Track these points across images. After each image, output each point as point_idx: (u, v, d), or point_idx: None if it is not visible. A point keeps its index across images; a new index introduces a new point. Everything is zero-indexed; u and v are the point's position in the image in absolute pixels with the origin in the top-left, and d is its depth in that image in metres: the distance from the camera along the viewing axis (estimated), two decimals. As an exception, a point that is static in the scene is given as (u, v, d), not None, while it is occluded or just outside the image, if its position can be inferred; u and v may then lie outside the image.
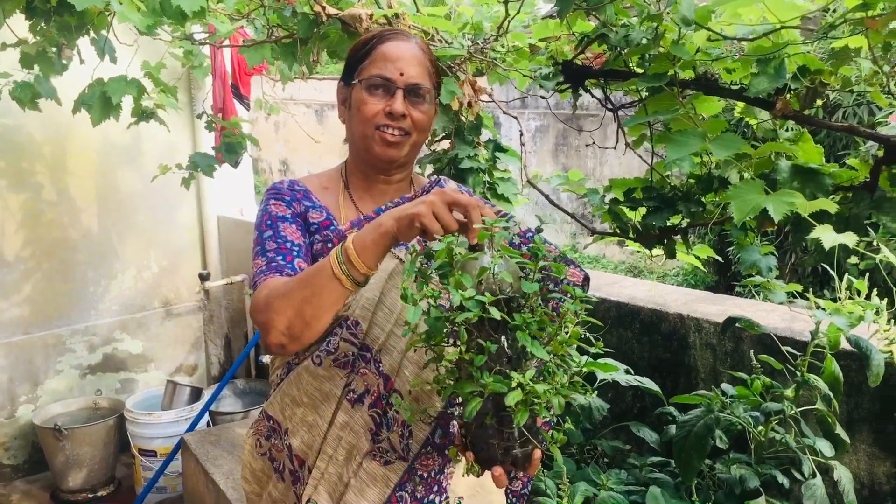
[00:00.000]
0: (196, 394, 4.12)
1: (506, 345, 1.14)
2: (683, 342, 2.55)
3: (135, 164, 4.32)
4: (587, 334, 1.23)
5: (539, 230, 1.58)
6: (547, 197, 2.32)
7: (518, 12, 2.08)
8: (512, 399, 1.08)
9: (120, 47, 2.62)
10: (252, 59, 2.48)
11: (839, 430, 1.95)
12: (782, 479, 2.00)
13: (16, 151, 3.93)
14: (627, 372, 2.30)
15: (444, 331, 1.16)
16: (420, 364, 1.41)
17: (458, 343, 1.13)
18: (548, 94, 2.14)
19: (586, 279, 1.60)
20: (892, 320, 1.96)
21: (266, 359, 4.19)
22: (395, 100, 1.47)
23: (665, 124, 1.86)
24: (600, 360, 2.19)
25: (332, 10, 2.22)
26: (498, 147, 2.53)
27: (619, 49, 1.84)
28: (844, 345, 1.94)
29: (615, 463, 2.46)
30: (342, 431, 1.46)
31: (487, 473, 1.23)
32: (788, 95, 1.63)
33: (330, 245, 1.49)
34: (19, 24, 2.54)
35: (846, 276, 2.00)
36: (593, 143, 2.60)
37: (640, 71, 1.86)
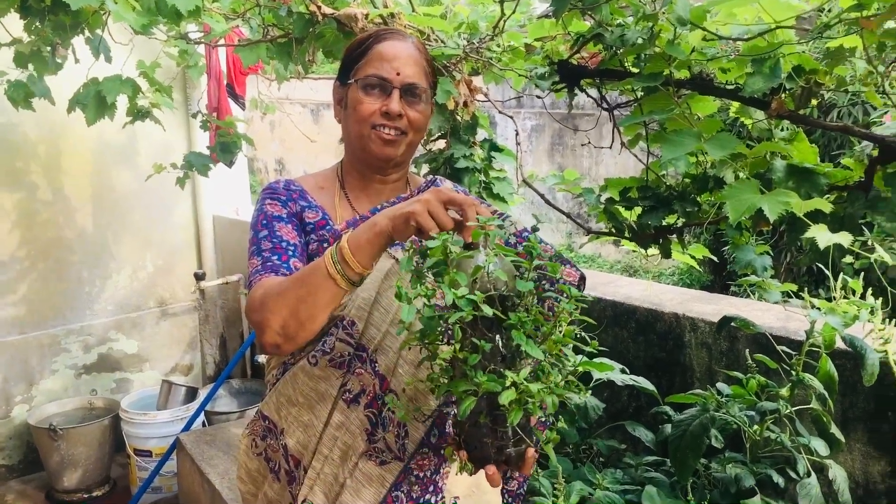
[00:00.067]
0: (191, 393, 4.12)
1: (500, 344, 1.14)
2: (679, 341, 2.55)
3: (130, 163, 4.31)
4: (582, 333, 1.22)
5: (535, 229, 1.58)
6: (542, 196, 2.32)
7: (514, 12, 2.08)
8: (506, 398, 1.08)
9: (115, 46, 2.62)
10: (247, 58, 2.47)
11: (834, 430, 1.95)
12: (777, 479, 2.01)
13: (10, 151, 3.92)
14: (623, 371, 2.31)
15: (439, 329, 1.16)
16: (416, 364, 1.41)
17: (453, 341, 1.13)
18: (543, 93, 2.13)
19: (582, 279, 1.60)
20: (887, 320, 1.96)
21: (262, 358, 4.19)
22: (391, 99, 1.47)
23: (660, 124, 1.87)
24: (596, 360, 2.19)
25: (327, 10, 2.21)
26: (494, 146, 2.53)
27: (614, 49, 1.84)
28: (839, 344, 1.94)
29: (611, 462, 2.46)
30: (338, 431, 1.46)
31: (483, 473, 1.23)
32: (783, 95, 1.63)
33: (326, 245, 1.48)
34: (14, 23, 2.53)
35: (841, 275, 2.00)
36: (589, 142, 2.60)
37: (635, 71, 1.86)
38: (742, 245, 1.95)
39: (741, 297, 3.37)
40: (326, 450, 1.46)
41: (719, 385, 2.22)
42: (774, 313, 2.42)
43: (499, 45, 2.25)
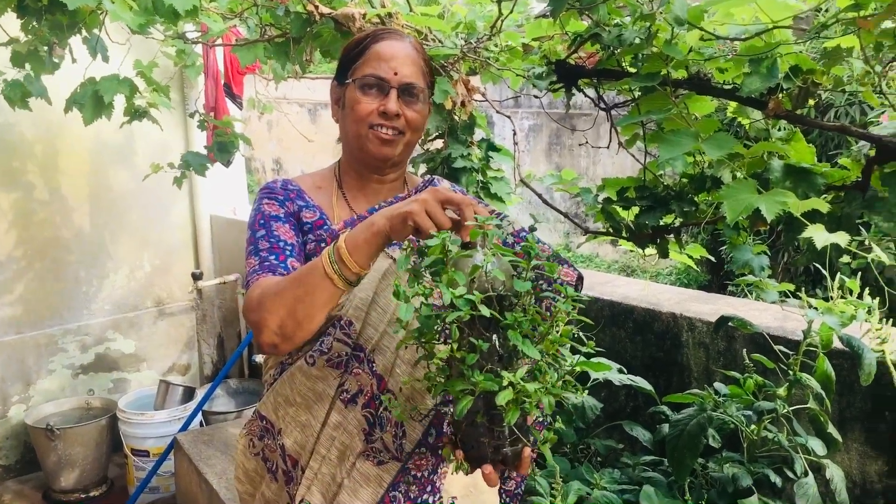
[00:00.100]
0: (189, 393, 4.12)
1: (497, 343, 1.14)
2: (676, 341, 2.55)
3: (127, 163, 4.31)
4: (579, 333, 1.22)
5: (532, 229, 1.58)
6: (540, 196, 2.32)
7: (511, 12, 2.08)
8: (503, 398, 1.08)
9: (112, 46, 2.61)
10: (245, 58, 2.47)
11: (831, 429, 1.95)
12: (775, 478, 2.01)
13: (7, 150, 3.91)
14: (620, 371, 2.31)
15: (436, 328, 1.16)
16: (413, 363, 1.41)
17: (450, 341, 1.13)
18: (541, 93, 2.13)
19: (580, 279, 1.60)
20: (884, 319, 1.96)
21: (259, 358, 4.18)
22: (388, 99, 1.47)
23: (658, 124, 1.87)
24: (593, 360, 2.20)
25: (325, 10, 2.21)
26: (491, 146, 2.53)
27: (612, 48, 1.85)
28: (837, 344, 1.94)
29: (608, 462, 2.46)
30: (335, 431, 1.46)
31: (480, 473, 1.23)
32: (781, 95, 1.63)
33: (323, 245, 1.48)
34: (11, 23, 2.53)
35: (838, 275, 2.00)
36: (586, 142, 2.60)
37: (633, 70, 1.86)
38: (739, 245, 1.95)
39: (738, 296, 3.38)
40: (324, 450, 1.46)
41: (717, 385, 2.22)
42: (772, 313, 2.42)
43: (496, 45, 2.25)
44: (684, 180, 1.93)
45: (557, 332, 1.17)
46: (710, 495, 2.07)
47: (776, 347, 2.10)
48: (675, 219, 1.93)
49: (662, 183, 1.99)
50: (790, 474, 1.99)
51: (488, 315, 1.09)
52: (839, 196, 1.65)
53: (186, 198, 4.60)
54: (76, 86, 2.68)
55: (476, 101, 2.43)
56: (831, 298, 1.98)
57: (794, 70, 1.62)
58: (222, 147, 3.40)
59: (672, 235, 2.01)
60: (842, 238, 1.40)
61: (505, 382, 1.09)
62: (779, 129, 1.81)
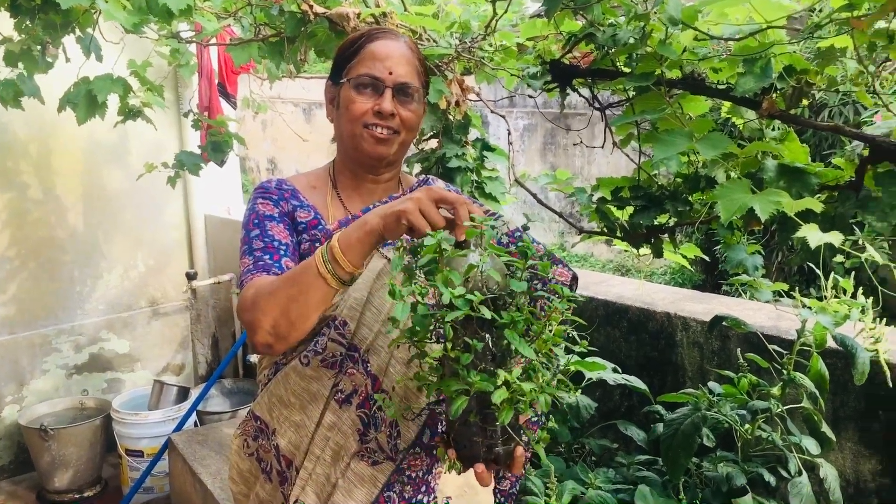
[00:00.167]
0: (183, 393, 4.11)
1: (490, 343, 1.14)
2: (671, 341, 2.56)
3: (121, 162, 4.30)
4: (573, 333, 1.23)
5: (525, 227, 1.58)
6: (535, 196, 2.32)
7: (506, 11, 2.08)
8: (498, 397, 1.08)
9: (106, 45, 2.60)
10: (239, 57, 2.47)
11: (825, 428, 1.96)
12: (769, 477, 2.01)
13: (0, 150, 3.90)
14: (615, 370, 2.31)
15: (431, 328, 1.16)
16: (407, 363, 1.41)
17: (442, 340, 1.13)
18: (535, 93, 2.14)
19: (574, 279, 1.60)
20: (878, 319, 1.97)
21: (253, 358, 4.18)
22: (383, 99, 1.47)
23: (652, 124, 1.87)
24: (588, 359, 2.20)
25: (319, 9, 2.21)
26: (486, 146, 2.53)
27: (606, 48, 1.85)
28: (830, 343, 1.95)
29: (603, 461, 2.47)
30: (330, 432, 1.46)
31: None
32: (774, 95, 1.64)
33: (318, 244, 1.48)
34: (4, 22, 2.52)
35: (832, 274, 2.01)
36: (581, 142, 2.61)
37: (627, 70, 1.86)
38: (733, 244, 1.96)
39: (733, 296, 3.38)
40: (318, 450, 1.46)
41: (711, 384, 2.22)
42: (766, 312, 2.42)
43: (491, 45, 2.26)
44: (679, 180, 1.93)
45: (551, 331, 1.17)
46: (704, 494, 2.08)
47: (770, 347, 2.11)
48: (670, 218, 1.93)
49: (657, 183, 1.99)
50: (784, 473, 2.00)
51: (488, 316, 1.09)
52: (833, 196, 1.65)
53: (181, 197, 4.59)
54: (70, 85, 2.67)
55: (471, 100, 2.43)
56: (825, 298, 1.99)
57: (787, 70, 1.62)
58: (216, 146, 3.40)
59: (666, 235, 2.01)
60: (835, 238, 1.40)
61: (499, 382, 1.09)
62: (773, 129, 1.81)
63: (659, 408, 2.33)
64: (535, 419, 1.56)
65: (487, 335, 1.14)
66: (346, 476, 1.45)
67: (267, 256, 1.44)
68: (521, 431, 1.22)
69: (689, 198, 1.89)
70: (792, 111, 1.66)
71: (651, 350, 2.62)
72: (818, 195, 1.61)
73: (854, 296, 1.99)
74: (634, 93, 1.85)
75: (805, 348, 2.00)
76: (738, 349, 2.24)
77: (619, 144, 2.09)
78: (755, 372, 2.15)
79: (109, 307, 4.40)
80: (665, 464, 2.05)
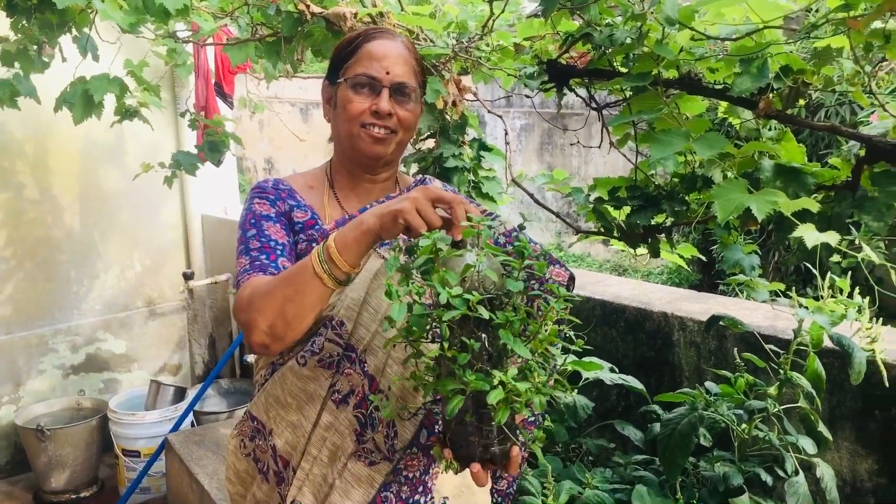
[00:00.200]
0: (180, 393, 4.10)
1: (486, 342, 1.14)
2: (668, 340, 2.56)
3: (117, 162, 4.29)
4: (570, 332, 1.23)
5: (522, 227, 1.58)
6: (532, 196, 2.32)
7: (503, 11, 2.08)
8: (494, 397, 1.08)
9: (102, 45, 2.60)
10: (236, 57, 2.46)
11: (822, 428, 1.96)
12: (766, 477, 2.02)
13: (-3, 150, 3.90)
14: (612, 370, 2.31)
15: (427, 328, 1.16)
16: (404, 363, 1.41)
17: (438, 340, 1.13)
18: (532, 93, 2.13)
19: (571, 279, 1.60)
20: (874, 318, 1.97)
21: (251, 358, 4.18)
22: (380, 98, 1.47)
23: (649, 123, 1.87)
24: (585, 359, 2.20)
25: (316, 9, 2.21)
26: (483, 146, 2.53)
27: (603, 48, 1.85)
28: (827, 343, 1.95)
29: (600, 461, 2.47)
30: (327, 432, 1.45)
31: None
32: (771, 95, 1.64)
33: (314, 244, 1.48)
34: (0, 22, 2.51)
35: (829, 274, 2.01)
36: (578, 142, 2.61)
37: (624, 70, 1.86)
38: (730, 244, 1.96)
39: (729, 296, 3.38)
40: (315, 450, 1.46)
41: (708, 384, 2.22)
42: (762, 312, 2.43)
43: (488, 45, 2.25)
44: (675, 180, 1.93)
45: (546, 330, 1.17)
46: (701, 494, 2.08)
47: (767, 346, 2.11)
48: (667, 218, 1.93)
49: (654, 182, 1.99)
50: (781, 473, 2.00)
51: (486, 316, 1.09)
52: (829, 196, 1.65)
53: (177, 197, 4.58)
54: (66, 85, 2.66)
55: (468, 100, 2.43)
56: (822, 297, 1.99)
57: (784, 70, 1.62)
58: (213, 146, 3.39)
59: (663, 235, 2.01)
60: (832, 237, 1.40)
61: (496, 382, 1.09)
62: (769, 129, 1.81)
63: (656, 407, 2.33)
64: (532, 419, 1.56)
65: (484, 335, 1.14)
66: (343, 476, 1.45)
67: (263, 256, 1.43)
68: (518, 431, 1.22)
69: (686, 197, 1.89)
70: (788, 111, 1.66)
71: (648, 350, 2.62)
72: (815, 195, 1.61)
73: (850, 295, 1.99)
74: (631, 93, 1.85)
75: (802, 348, 2.00)
76: (735, 349, 2.24)
77: (615, 144, 2.09)
78: (752, 372, 2.15)
79: (106, 307, 4.40)
80: (662, 463, 2.05)
